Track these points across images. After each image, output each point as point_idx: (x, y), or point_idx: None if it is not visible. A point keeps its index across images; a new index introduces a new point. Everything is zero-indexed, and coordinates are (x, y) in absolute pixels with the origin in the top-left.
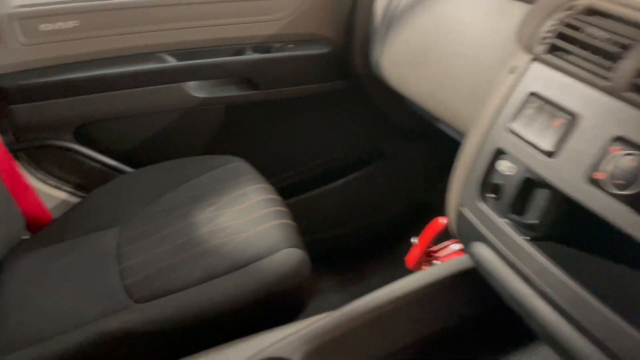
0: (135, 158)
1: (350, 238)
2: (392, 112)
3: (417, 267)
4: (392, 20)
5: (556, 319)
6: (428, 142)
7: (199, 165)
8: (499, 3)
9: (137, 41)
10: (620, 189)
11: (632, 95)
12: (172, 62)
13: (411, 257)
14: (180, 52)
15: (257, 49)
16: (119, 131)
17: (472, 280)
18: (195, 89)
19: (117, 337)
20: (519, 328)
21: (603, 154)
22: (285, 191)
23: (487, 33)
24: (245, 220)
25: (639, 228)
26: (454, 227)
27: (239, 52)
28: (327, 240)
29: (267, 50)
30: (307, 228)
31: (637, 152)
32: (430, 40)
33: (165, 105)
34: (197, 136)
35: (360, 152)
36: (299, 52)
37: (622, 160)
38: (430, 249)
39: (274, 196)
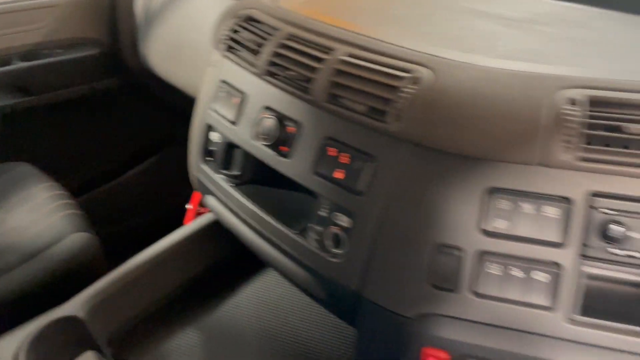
0: None
1: (149, 225)
2: (175, 100)
3: None
4: (151, 18)
5: (255, 237)
6: None
7: None
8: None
9: None
10: (267, 141)
11: (270, 79)
12: None
13: (187, 220)
14: None
15: (25, 57)
16: None
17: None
18: None
19: None
20: None
21: (259, 120)
22: (82, 188)
23: None
24: (33, 217)
25: (281, 165)
26: (196, 186)
27: (7, 62)
28: (128, 230)
29: (36, 58)
30: (107, 220)
31: (272, 115)
32: (183, 35)
33: None
34: None
35: (152, 141)
36: (68, 56)
37: (266, 122)
38: (200, 209)
39: (61, 192)
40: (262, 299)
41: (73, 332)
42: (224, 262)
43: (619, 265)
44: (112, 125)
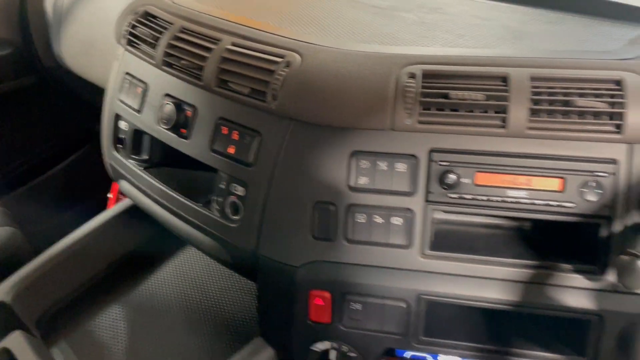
0: None
1: (75, 220)
2: (91, 95)
3: None
4: (62, 15)
5: (167, 214)
6: None
7: None
8: None
9: None
10: (168, 125)
11: (167, 69)
12: None
13: (108, 208)
14: None
15: None
16: None
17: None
18: None
19: None
20: None
21: (160, 106)
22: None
23: None
24: None
25: (182, 146)
26: (110, 174)
27: None
28: (55, 226)
29: None
30: (33, 218)
31: (171, 101)
32: (94, 32)
33: None
34: None
35: (75, 137)
36: None
37: (166, 108)
38: (121, 197)
39: None
40: (183, 274)
41: (0, 317)
42: (146, 243)
43: (456, 206)
44: (32, 123)
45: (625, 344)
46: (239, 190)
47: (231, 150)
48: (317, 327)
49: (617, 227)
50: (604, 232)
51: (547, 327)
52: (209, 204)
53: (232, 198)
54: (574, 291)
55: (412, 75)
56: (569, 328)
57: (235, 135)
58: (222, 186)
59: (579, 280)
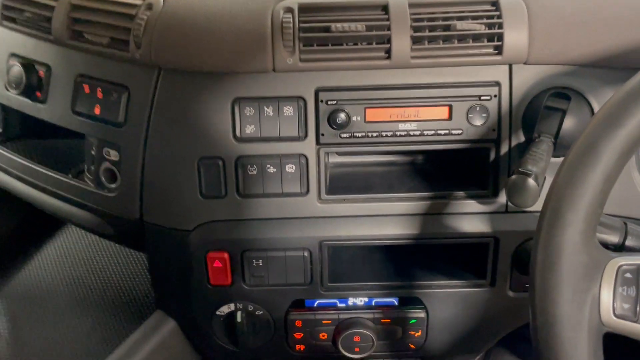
0: None
1: None
2: None
3: None
4: None
5: (33, 191)
6: None
7: None
8: None
9: None
10: (18, 90)
11: (8, 24)
12: None
13: None
14: None
15: None
16: None
17: None
18: None
19: None
20: None
21: (7, 69)
22: None
23: None
24: None
25: (40, 111)
26: None
27: None
28: None
29: None
30: None
31: (18, 61)
32: None
33: None
34: None
35: None
36: None
37: (13, 70)
38: None
39: None
40: (66, 254)
41: None
42: (17, 227)
43: (348, 146)
44: None
45: (520, 261)
46: (112, 154)
47: (97, 110)
48: (219, 290)
49: (504, 149)
50: (492, 156)
51: (448, 256)
52: (81, 174)
53: (106, 164)
54: (470, 217)
55: (289, 10)
56: (468, 254)
57: (99, 93)
58: (93, 152)
59: (473, 205)
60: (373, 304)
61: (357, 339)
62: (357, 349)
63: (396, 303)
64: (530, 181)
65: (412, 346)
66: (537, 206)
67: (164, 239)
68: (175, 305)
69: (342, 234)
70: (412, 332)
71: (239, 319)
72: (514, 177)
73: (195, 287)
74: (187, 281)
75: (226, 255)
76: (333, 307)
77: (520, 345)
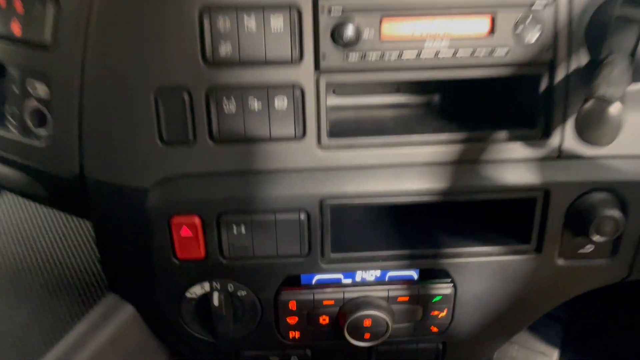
0: None
1: None
2: None
3: None
4: None
5: None
6: None
7: None
8: None
9: None
10: None
11: None
12: None
13: None
14: None
15: None
16: None
17: None
18: None
19: None
20: None
21: None
22: None
23: None
24: None
25: None
26: None
27: None
28: None
29: None
30: None
31: None
32: None
33: None
34: None
35: None
36: None
37: None
38: None
39: None
40: None
41: None
42: None
43: (358, 73)
44: None
45: (575, 221)
46: (40, 89)
47: (15, 28)
48: (188, 266)
49: (561, 73)
50: (544, 83)
51: (482, 216)
52: (2, 119)
53: (32, 103)
54: (513, 165)
55: None
56: (508, 213)
57: (17, 5)
58: (15, 89)
59: (517, 149)
60: (387, 278)
61: (367, 322)
62: (367, 335)
63: (416, 277)
64: (613, 109)
65: (435, 329)
66: (610, 148)
67: (113, 202)
68: (133, 287)
69: (348, 189)
70: (436, 313)
71: (215, 302)
72: (589, 104)
73: (156, 263)
74: (146, 256)
75: (197, 220)
76: (337, 283)
77: None
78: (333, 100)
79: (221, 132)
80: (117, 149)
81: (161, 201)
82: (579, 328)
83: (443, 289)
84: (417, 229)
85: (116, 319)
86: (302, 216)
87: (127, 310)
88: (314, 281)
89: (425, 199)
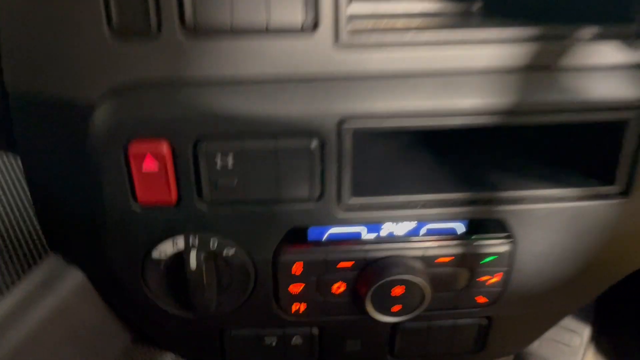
0: None
1: None
2: None
3: None
4: None
5: None
6: None
7: None
8: None
9: None
10: None
11: None
12: None
13: None
14: None
15: None
16: None
17: None
18: None
19: None
20: None
21: None
22: None
23: None
24: None
25: None
26: None
27: None
28: None
29: None
30: None
31: None
32: None
33: None
34: None
35: None
36: None
37: None
38: None
39: None
40: None
41: None
42: None
43: None
44: None
45: None
46: None
47: None
48: (154, 214)
49: None
50: None
51: (551, 149)
52: None
53: None
54: (600, 74)
55: None
56: (586, 144)
57: None
58: None
59: (607, 52)
60: (422, 232)
61: (397, 291)
62: (396, 308)
63: (464, 229)
64: None
65: (482, 299)
66: None
67: (45, 124)
68: (79, 245)
69: (377, 106)
70: (485, 278)
71: (192, 264)
72: None
73: (109, 211)
74: (94, 201)
75: (165, 148)
76: (357, 239)
77: None
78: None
79: (198, 18)
80: (48, 45)
81: (113, 120)
82: (612, 304)
83: (498, 245)
84: (467, 166)
85: (59, 289)
86: (314, 143)
87: (74, 277)
88: (326, 236)
89: (481, 120)
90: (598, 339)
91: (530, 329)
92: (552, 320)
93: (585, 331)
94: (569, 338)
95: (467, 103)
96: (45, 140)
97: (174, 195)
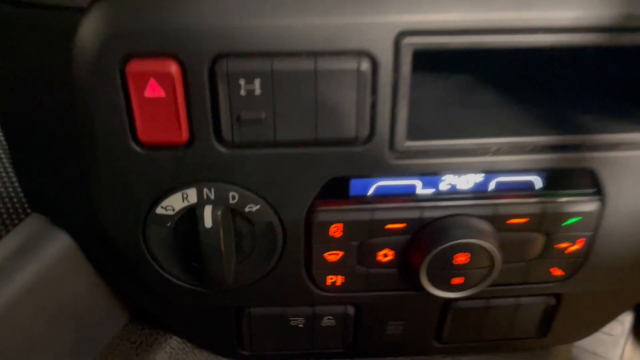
0: None
1: None
2: None
3: None
4: None
5: None
6: None
7: None
8: None
9: None
10: None
11: None
12: None
13: None
14: None
15: None
16: None
17: None
18: None
19: None
20: None
21: None
22: None
23: None
24: None
25: None
26: None
27: None
28: None
29: None
30: None
31: None
32: None
33: None
34: None
35: None
36: None
37: None
38: None
39: None
40: None
41: None
42: None
43: None
44: None
45: None
46: None
47: None
48: (160, 157)
49: None
50: None
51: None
52: None
53: None
54: None
55: None
56: None
57: None
58: None
59: None
60: (491, 187)
61: (460, 259)
62: (457, 281)
63: (541, 183)
64: None
65: (557, 272)
66: None
67: (22, 41)
68: (65, 201)
69: (447, 17)
70: (565, 245)
71: (207, 223)
72: None
73: (102, 152)
74: (82, 140)
75: (174, 68)
76: (410, 194)
77: None
78: None
79: None
80: None
81: (107, 30)
82: None
83: (585, 203)
84: (548, 102)
85: (41, 255)
86: (364, 65)
87: (59, 241)
88: (372, 190)
89: (578, 39)
90: (638, 329)
91: (602, 311)
92: (629, 301)
93: (627, 319)
94: (609, 326)
95: (561, 15)
96: (22, 63)
97: (184, 133)
